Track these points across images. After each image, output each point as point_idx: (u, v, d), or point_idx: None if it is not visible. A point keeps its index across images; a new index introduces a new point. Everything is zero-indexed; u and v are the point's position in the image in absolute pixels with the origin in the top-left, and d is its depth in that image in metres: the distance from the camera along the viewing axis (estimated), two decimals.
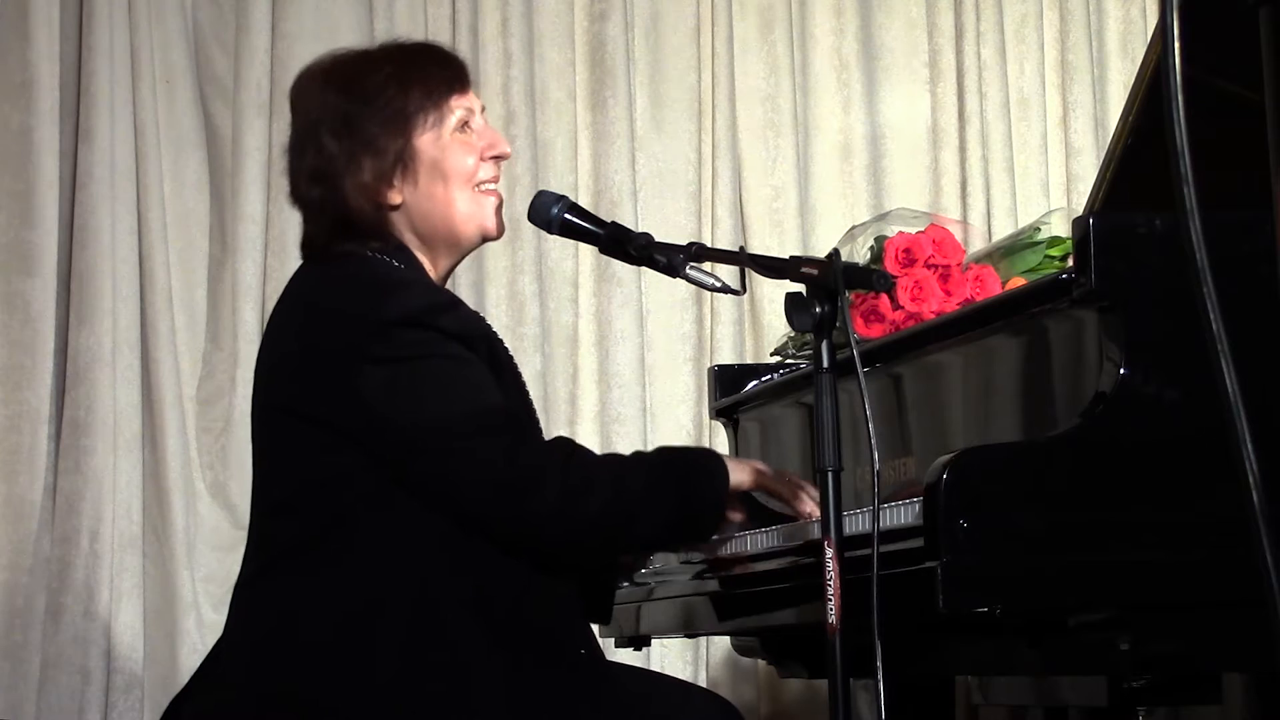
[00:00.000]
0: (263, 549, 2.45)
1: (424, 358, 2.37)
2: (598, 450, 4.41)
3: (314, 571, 2.36)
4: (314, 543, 2.37)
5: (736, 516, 2.64)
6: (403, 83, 2.49)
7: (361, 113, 2.46)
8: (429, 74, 2.51)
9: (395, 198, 2.47)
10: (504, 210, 2.59)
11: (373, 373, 2.35)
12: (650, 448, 4.50)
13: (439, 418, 2.36)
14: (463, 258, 2.59)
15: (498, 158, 2.55)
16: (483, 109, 2.57)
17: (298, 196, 2.53)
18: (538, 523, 2.37)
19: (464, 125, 2.51)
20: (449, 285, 2.63)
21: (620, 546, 2.60)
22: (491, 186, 2.54)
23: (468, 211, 2.51)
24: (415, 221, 2.49)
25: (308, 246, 2.54)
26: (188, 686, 2.52)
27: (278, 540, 2.41)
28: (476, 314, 2.51)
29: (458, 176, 2.49)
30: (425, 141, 2.48)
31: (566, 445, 2.49)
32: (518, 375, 2.52)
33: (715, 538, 2.67)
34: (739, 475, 2.56)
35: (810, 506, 2.59)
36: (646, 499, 2.45)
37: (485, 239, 2.56)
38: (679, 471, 2.51)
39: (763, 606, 2.76)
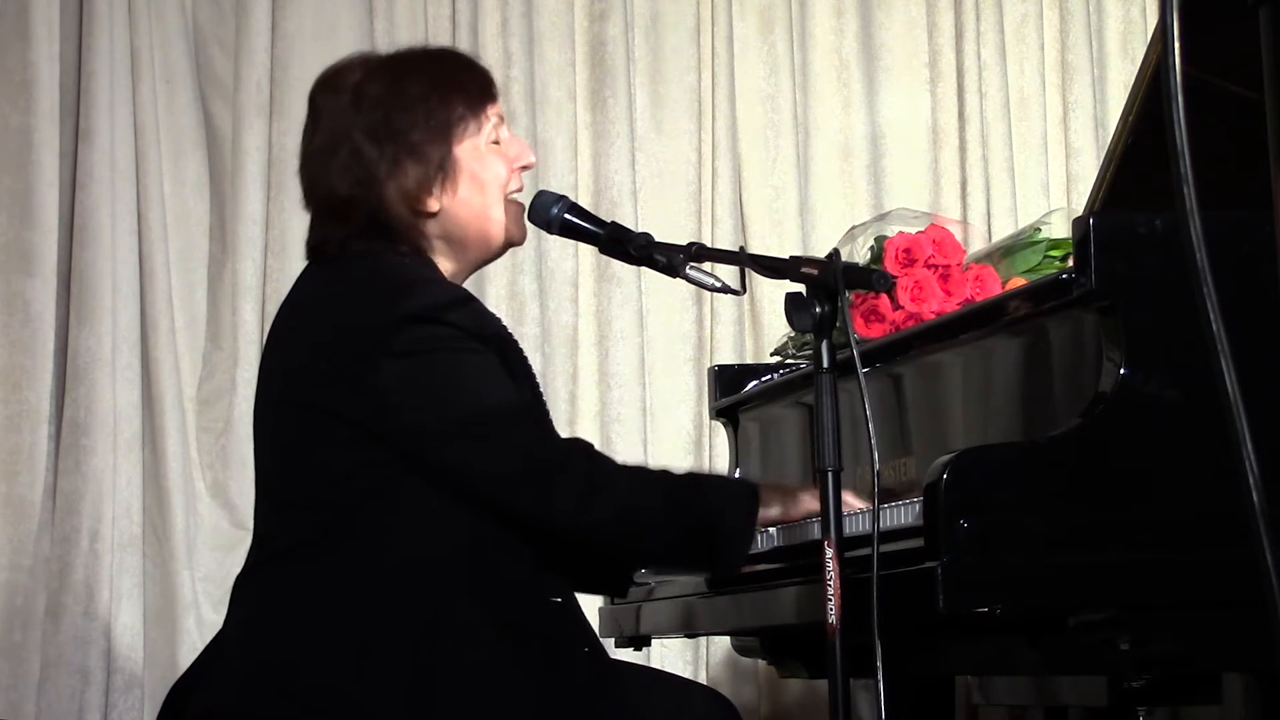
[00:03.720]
0: (271, 542, 2.45)
1: (441, 351, 2.38)
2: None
3: (322, 565, 2.37)
4: (323, 537, 2.38)
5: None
6: (444, 91, 2.50)
7: (404, 119, 2.47)
8: (467, 83, 2.54)
9: (433, 205, 2.49)
10: (521, 241, 2.60)
11: (390, 367, 2.36)
12: (650, 448, 4.54)
13: (460, 409, 2.38)
14: (482, 265, 2.61)
15: (524, 167, 2.57)
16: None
17: (320, 199, 2.51)
18: (558, 511, 2.39)
19: (497, 135, 2.53)
20: None
21: (629, 558, 2.60)
22: (518, 197, 2.56)
23: (501, 221, 2.53)
24: (449, 228, 2.51)
25: (320, 248, 2.52)
26: (187, 677, 2.52)
27: (287, 534, 2.42)
28: (490, 312, 2.52)
29: (494, 187, 2.52)
30: (465, 150, 2.50)
31: (587, 445, 2.50)
32: (531, 374, 2.53)
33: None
34: (773, 511, 2.56)
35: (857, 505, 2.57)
36: (660, 520, 2.45)
37: (509, 246, 2.58)
38: (703, 495, 2.51)
39: (763, 606, 2.76)
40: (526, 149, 2.59)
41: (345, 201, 2.48)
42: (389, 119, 2.48)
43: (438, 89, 2.51)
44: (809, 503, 2.56)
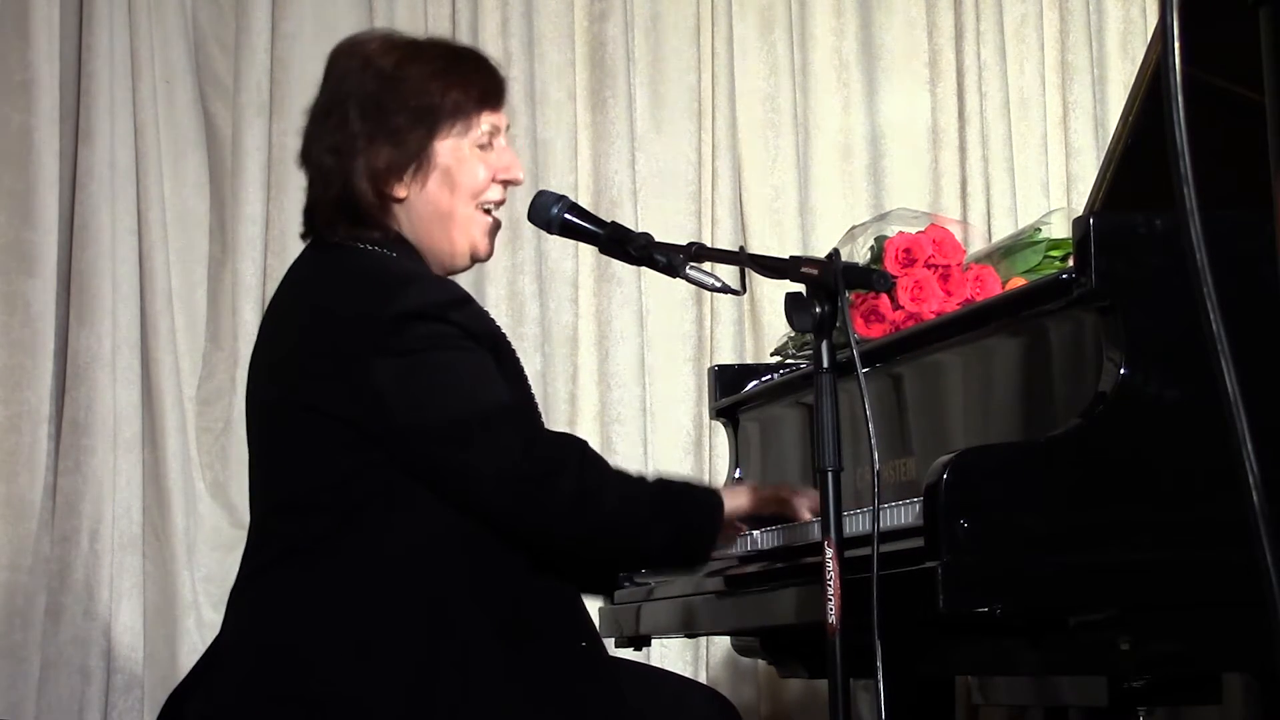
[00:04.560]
0: (267, 546, 2.44)
1: (435, 350, 2.37)
2: (597, 450, 4.44)
3: (320, 568, 2.36)
4: (321, 540, 2.37)
5: (738, 533, 2.68)
6: (443, 82, 2.48)
7: (393, 99, 2.46)
8: (470, 82, 2.50)
9: (401, 191, 2.46)
10: (504, 210, 2.58)
11: (385, 366, 2.35)
12: (650, 448, 4.54)
13: (456, 409, 2.37)
14: (444, 274, 2.57)
15: (508, 182, 2.54)
16: (508, 128, 2.57)
17: (308, 161, 2.51)
18: (552, 515, 2.38)
19: (488, 141, 2.51)
20: None
21: (623, 555, 2.60)
22: (495, 211, 2.53)
23: (464, 227, 2.50)
24: (413, 221, 2.49)
25: (309, 217, 2.52)
26: (186, 681, 2.52)
27: (283, 537, 2.41)
28: (485, 311, 2.51)
29: (466, 190, 2.49)
30: (445, 146, 2.48)
31: (580, 444, 2.50)
32: (523, 374, 2.52)
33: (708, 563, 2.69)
34: (734, 502, 2.58)
35: (808, 514, 2.61)
36: (653, 513, 2.46)
37: (474, 259, 2.54)
38: (681, 495, 2.54)
39: (763, 606, 2.76)
40: (516, 164, 2.55)
41: (325, 169, 2.47)
42: (380, 95, 2.46)
43: (437, 78, 2.48)
44: (746, 495, 2.64)
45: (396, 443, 2.36)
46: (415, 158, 2.46)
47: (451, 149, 2.48)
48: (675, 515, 2.49)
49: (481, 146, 2.50)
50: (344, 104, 2.47)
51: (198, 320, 4.41)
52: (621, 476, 2.51)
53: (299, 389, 2.41)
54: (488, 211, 2.52)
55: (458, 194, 2.48)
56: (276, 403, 2.46)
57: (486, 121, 2.51)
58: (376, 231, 2.46)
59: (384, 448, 2.36)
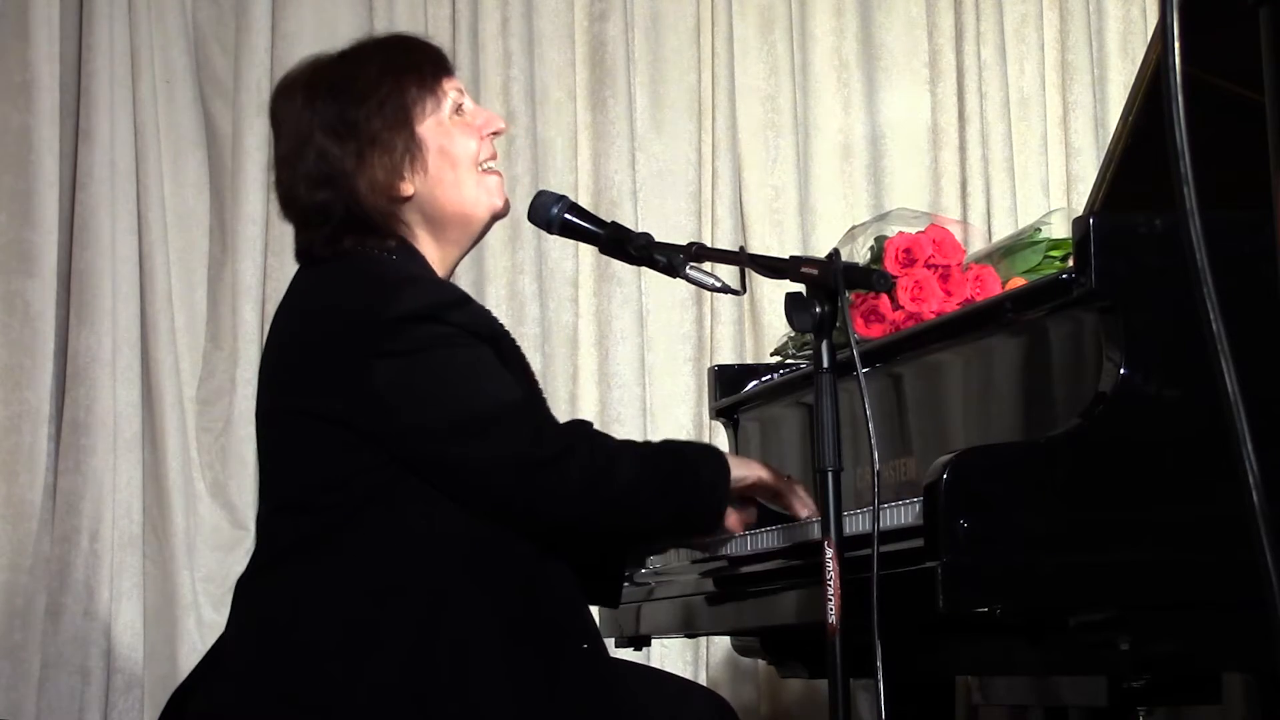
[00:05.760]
0: (269, 545, 2.45)
1: (435, 349, 2.38)
2: None
3: (321, 566, 2.37)
4: (321, 539, 2.37)
5: (749, 517, 2.65)
6: (396, 74, 2.50)
7: (360, 111, 2.46)
8: (417, 62, 2.54)
9: (408, 189, 2.48)
10: (504, 210, 2.59)
11: (385, 368, 2.36)
12: None
13: (461, 405, 2.37)
14: (473, 244, 2.60)
15: (495, 133, 2.57)
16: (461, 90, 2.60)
17: (295, 206, 2.52)
18: (565, 499, 2.38)
19: (458, 107, 2.53)
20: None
21: (637, 529, 2.59)
22: (493, 165, 2.56)
23: (476, 194, 2.53)
24: (427, 209, 2.50)
25: (306, 253, 2.53)
26: (189, 680, 2.52)
27: (285, 536, 2.42)
28: (485, 310, 2.51)
29: (465, 158, 2.52)
30: (428, 128, 2.50)
31: (586, 427, 2.51)
32: (528, 369, 2.53)
33: (718, 537, 2.66)
34: (740, 470, 2.57)
35: (806, 511, 2.60)
36: (663, 483, 2.46)
37: (495, 218, 2.57)
38: (688, 461, 2.53)
39: (763, 606, 2.76)
40: (494, 116, 2.60)
41: (321, 204, 2.47)
42: (344, 114, 2.47)
43: (388, 74, 2.50)
44: (759, 469, 2.61)
45: (402, 444, 2.36)
46: (407, 152, 2.48)
47: (434, 127, 2.50)
48: (683, 485, 2.49)
49: (456, 112, 2.52)
50: (310, 139, 2.47)
51: (198, 320, 4.41)
52: (628, 448, 2.51)
53: (298, 393, 2.42)
54: (489, 171, 2.54)
55: (459, 166, 2.51)
56: (278, 407, 2.47)
57: (450, 89, 2.53)
58: (390, 240, 2.48)
59: (388, 449, 2.36)
